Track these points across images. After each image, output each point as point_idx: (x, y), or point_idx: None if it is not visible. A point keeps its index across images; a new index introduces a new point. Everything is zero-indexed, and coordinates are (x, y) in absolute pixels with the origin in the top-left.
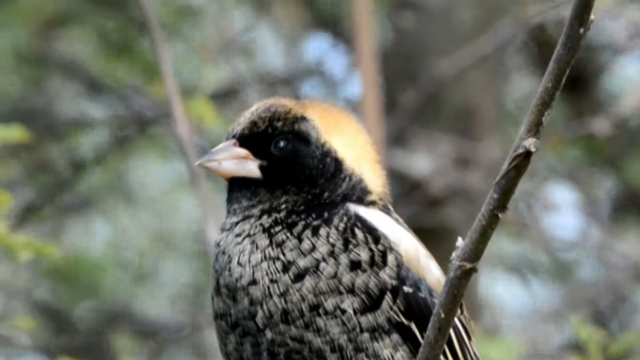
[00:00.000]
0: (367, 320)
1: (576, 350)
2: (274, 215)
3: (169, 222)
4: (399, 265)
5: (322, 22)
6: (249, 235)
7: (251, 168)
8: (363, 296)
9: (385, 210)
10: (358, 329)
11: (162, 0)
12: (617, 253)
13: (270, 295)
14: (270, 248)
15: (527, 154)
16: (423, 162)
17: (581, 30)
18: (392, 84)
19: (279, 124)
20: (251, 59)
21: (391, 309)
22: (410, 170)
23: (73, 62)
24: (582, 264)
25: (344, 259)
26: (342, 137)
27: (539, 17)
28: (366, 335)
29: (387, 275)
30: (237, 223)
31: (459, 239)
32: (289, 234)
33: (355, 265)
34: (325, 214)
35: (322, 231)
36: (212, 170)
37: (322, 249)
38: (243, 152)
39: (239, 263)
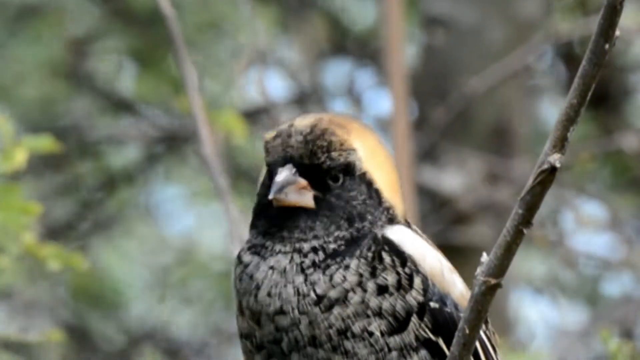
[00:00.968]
0: (394, 341)
1: None
2: (317, 255)
3: (195, 240)
4: (425, 288)
5: (349, 41)
6: (284, 272)
7: (309, 199)
8: (390, 319)
9: (407, 224)
10: (386, 349)
11: (190, 18)
12: None
13: (298, 324)
14: (303, 285)
15: (552, 170)
16: (453, 178)
17: (606, 46)
18: (423, 102)
19: (336, 156)
20: (279, 77)
21: (418, 328)
22: (440, 186)
23: (102, 79)
24: (610, 282)
25: (371, 285)
26: (378, 165)
27: (569, 34)
28: (394, 354)
29: (413, 297)
30: (276, 252)
31: (484, 255)
32: (321, 275)
33: (382, 290)
34: (357, 250)
35: (353, 264)
36: (279, 201)
37: (351, 279)
38: (304, 182)
39: (268, 294)
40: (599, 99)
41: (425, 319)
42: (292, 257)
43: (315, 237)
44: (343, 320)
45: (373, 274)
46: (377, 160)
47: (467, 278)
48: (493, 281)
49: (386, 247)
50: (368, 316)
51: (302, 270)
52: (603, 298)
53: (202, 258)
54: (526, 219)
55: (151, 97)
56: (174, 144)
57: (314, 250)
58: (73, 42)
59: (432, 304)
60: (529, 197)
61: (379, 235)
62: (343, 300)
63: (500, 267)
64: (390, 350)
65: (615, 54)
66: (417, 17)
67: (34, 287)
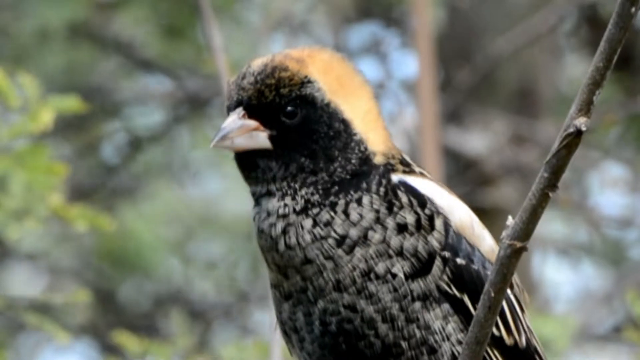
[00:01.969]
0: (418, 286)
1: (630, 328)
2: (305, 196)
3: (219, 202)
4: (447, 230)
5: (374, 4)
6: (285, 216)
7: (262, 140)
8: (413, 260)
9: (432, 179)
10: (409, 297)
11: None
12: None
13: (322, 271)
14: (318, 228)
15: (578, 133)
16: (478, 140)
17: (632, 10)
18: (448, 63)
19: (285, 91)
20: (304, 39)
21: (441, 274)
22: (465, 148)
23: (127, 42)
24: (634, 245)
25: (390, 222)
26: (348, 94)
27: None
28: (418, 304)
29: (435, 239)
30: (262, 196)
31: (509, 218)
32: (332, 213)
33: (401, 228)
34: (364, 184)
35: (365, 199)
36: (227, 148)
37: (369, 216)
38: (253, 124)
39: (287, 246)
40: (624, 61)
41: (450, 266)
42: (284, 201)
43: (275, 178)
44: (366, 261)
45: (390, 211)
46: (346, 90)
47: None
48: (519, 244)
49: (402, 187)
50: (390, 256)
51: (302, 211)
52: (627, 260)
53: (226, 220)
54: (552, 182)
55: (176, 59)
56: (198, 105)
57: (284, 190)
58: (98, 2)
59: (459, 260)
60: (555, 161)
61: (395, 178)
62: (363, 239)
63: (526, 231)
64: (413, 299)
65: None
66: None
67: (59, 249)
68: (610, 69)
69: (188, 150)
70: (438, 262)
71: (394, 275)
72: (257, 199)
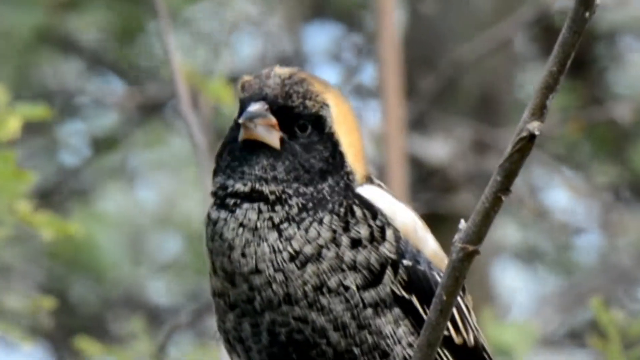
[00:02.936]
0: (370, 295)
1: (594, 335)
2: (284, 209)
3: (173, 203)
4: (398, 239)
5: (333, 9)
6: (255, 229)
7: (275, 138)
8: (365, 272)
9: (378, 185)
10: (361, 305)
11: None
12: (622, 236)
13: (272, 282)
14: (278, 242)
15: (531, 137)
16: (440, 147)
17: (586, 14)
18: (411, 70)
19: (310, 104)
20: (263, 44)
21: (393, 282)
22: (428, 155)
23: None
24: (586, 250)
25: (345, 239)
26: (347, 130)
27: (552, 4)
28: (369, 310)
29: (386, 249)
30: (240, 198)
31: (462, 222)
32: (296, 229)
33: (355, 243)
34: (330, 205)
35: (326, 219)
36: (248, 130)
37: (325, 235)
38: (274, 120)
39: (242, 254)
40: (579, 68)
41: (400, 273)
42: (259, 210)
43: (275, 179)
44: (318, 276)
45: (346, 229)
46: (346, 125)
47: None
48: (471, 248)
49: (356, 201)
50: (343, 270)
51: (275, 226)
52: (579, 266)
53: (179, 222)
54: (505, 185)
55: (133, 62)
56: (154, 108)
57: (275, 198)
58: (56, 6)
59: (406, 262)
60: (508, 165)
61: (349, 192)
62: (317, 257)
63: (478, 234)
64: (365, 306)
65: (595, 22)
66: None
67: (10, 249)
68: (563, 74)
69: (143, 152)
70: (389, 270)
71: (347, 288)
72: (226, 199)
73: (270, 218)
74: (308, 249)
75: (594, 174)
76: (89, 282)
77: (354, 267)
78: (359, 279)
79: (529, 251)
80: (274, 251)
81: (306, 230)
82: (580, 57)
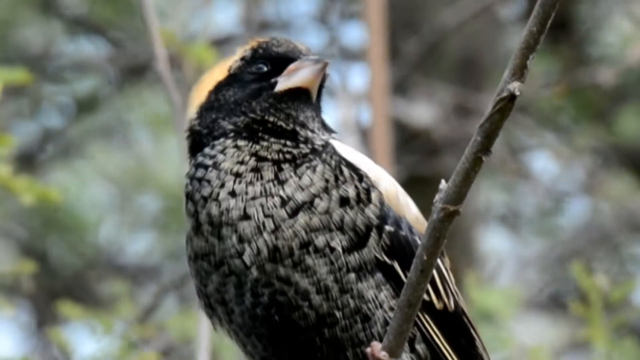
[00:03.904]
0: (354, 259)
1: (576, 301)
2: (294, 151)
3: (152, 164)
4: (382, 202)
5: None
6: (254, 169)
7: (316, 88)
8: (351, 233)
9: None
10: (345, 269)
11: None
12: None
13: (262, 232)
14: (272, 183)
15: (512, 97)
16: (423, 111)
17: None
18: (394, 34)
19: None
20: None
21: (377, 246)
22: (411, 119)
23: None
24: (569, 214)
25: (335, 194)
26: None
27: None
28: (352, 275)
29: (371, 212)
30: (247, 128)
31: (442, 182)
32: (292, 173)
33: (344, 202)
34: (323, 155)
35: (319, 168)
36: (318, 71)
37: (319, 184)
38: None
39: (232, 191)
40: (563, 31)
41: (384, 236)
42: (268, 151)
43: (301, 121)
44: (306, 232)
45: (336, 183)
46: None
47: None
48: (451, 208)
49: (343, 162)
50: (331, 230)
51: (275, 164)
52: (563, 229)
53: (159, 183)
54: (485, 146)
55: (115, 24)
56: (136, 70)
57: (300, 142)
58: None
59: (388, 227)
60: (488, 125)
61: (335, 150)
62: (309, 206)
63: (459, 194)
64: (349, 270)
65: None
66: None
67: None
68: (544, 34)
69: (125, 113)
70: (374, 233)
71: (332, 249)
72: (228, 134)
73: (278, 156)
74: (300, 196)
75: (578, 138)
76: (70, 242)
77: (341, 228)
78: (344, 240)
79: (513, 215)
80: (263, 194)
81: (299, 176)
82: (563, 20)
